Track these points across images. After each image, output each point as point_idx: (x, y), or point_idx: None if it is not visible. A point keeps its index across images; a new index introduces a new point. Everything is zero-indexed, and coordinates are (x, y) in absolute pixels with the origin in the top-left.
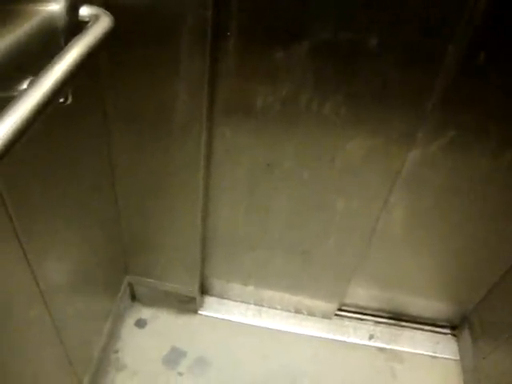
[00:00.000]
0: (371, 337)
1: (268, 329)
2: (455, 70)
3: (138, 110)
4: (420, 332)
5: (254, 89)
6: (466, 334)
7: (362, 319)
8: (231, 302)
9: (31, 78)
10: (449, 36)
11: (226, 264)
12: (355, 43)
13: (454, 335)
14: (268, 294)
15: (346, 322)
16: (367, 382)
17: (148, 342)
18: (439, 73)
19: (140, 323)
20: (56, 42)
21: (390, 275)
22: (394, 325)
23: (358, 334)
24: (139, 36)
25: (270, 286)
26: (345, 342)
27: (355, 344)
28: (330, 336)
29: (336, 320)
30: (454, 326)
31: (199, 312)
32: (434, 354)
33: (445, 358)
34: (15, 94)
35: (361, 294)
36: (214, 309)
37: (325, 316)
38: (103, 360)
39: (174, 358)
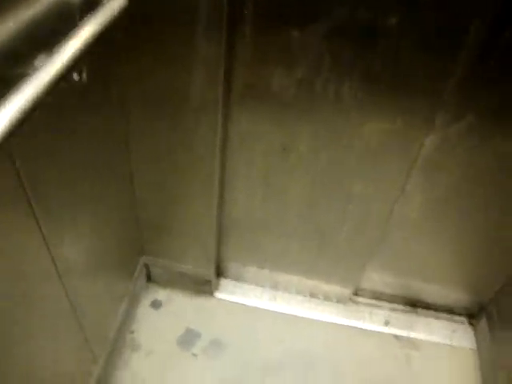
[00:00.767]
0: (387, 323)
1: (283, 313)
2: (475, 53)
3: (154, 94)
4: (436, 320)
5: (270, 72)
6: (483, 323)
7: (377, 305)
8: (246, 285)
9: (46, 53)
10: (470, 17)
11: (242, 247)
12: (373, 23)
13: (471, 324)
14: (284, 277)
15: (362, 308)
16: (382, 368)
17: (163, 322)
18: (459, 55)
19: (155, 304)
20: (71, 18)
21: (406, 261)
22: (410, 311)
23: (373, 319)
24: (155, 17)
25: (286, 269)
26: (360, 327)
27: (370, 330)
28: (345, 321)
29: (351, 305)
30: (472, 315)
31: (214, 294)
32: (450, 343)
33: (461, 347)
34: (29, 69)
35: (376, 279)
36: (229, 291)
37: (340, 301)
38: (118, 340)
39: (188, 339)
